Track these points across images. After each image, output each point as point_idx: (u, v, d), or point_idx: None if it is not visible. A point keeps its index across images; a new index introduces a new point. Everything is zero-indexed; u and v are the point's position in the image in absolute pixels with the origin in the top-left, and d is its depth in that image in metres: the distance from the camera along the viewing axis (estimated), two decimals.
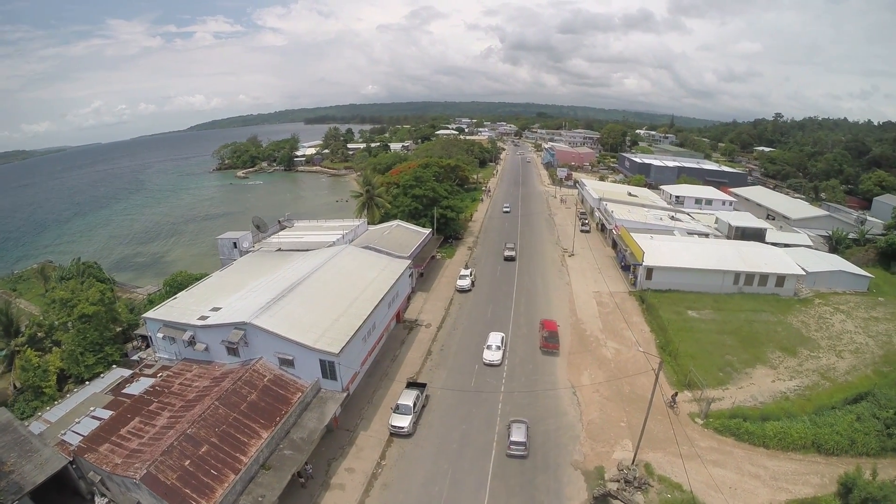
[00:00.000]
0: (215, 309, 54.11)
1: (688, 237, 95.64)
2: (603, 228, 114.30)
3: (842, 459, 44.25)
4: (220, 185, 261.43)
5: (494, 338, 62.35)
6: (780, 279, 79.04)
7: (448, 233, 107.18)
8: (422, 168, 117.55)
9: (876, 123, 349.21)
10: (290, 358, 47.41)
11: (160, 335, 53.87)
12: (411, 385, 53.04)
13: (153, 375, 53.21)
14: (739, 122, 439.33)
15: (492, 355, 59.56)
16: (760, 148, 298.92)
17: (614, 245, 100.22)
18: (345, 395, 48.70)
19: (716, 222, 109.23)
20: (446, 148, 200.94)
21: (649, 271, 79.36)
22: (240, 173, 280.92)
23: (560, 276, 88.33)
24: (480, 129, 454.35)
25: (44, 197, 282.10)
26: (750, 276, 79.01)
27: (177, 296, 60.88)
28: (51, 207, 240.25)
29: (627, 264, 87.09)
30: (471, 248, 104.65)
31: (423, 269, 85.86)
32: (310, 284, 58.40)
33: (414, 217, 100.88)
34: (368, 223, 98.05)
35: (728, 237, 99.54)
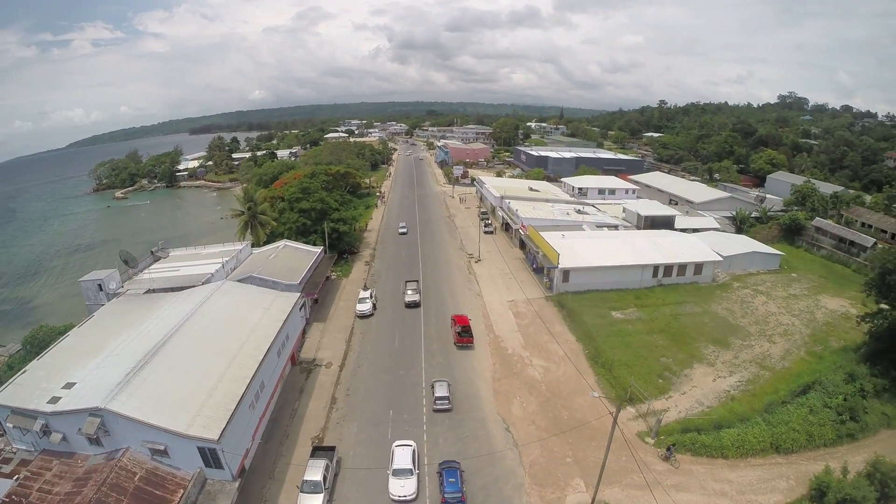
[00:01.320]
0: (69, 385, 40.62)
1: (598, 231, 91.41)
2: (508, 228, 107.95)
3: (802, 456, 43.17)
4: (98, 209, 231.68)
5: (402, 456, 41.08)
6: (699, 267, 76.99)
7: (342, 248, 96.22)
8: (308, 178, 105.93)
9: (756, 105, 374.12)
10: (162, 447, 35.82)
11: (10, 424, 40.30)
12: (318, 451, 42.73)
13: (11, 475, 39.47)
14: (626, 111, 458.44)
15: (401, 487, 38.83)
16: (649, 134, 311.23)
17: (522, 245, 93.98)
18: (237, 483, 37.63)
19: (623, 212, 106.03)
20: (335, 153, 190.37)
21: (566, 273, 73.27)
22: (118, 193, 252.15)
23: (469, 285, 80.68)
24: (370, 131, 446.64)
25: None
26: (668, 268, 76.09)
27: (26, 368, 46.34)
28: None
29: (540, 266, 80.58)
30: (368, 263, 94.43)
31: (318, 295, 74.82)
32: (180, 341, 45.87)
33: (303, 234, 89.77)
34: (253, 245, 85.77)
35: (638, 227, 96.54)
